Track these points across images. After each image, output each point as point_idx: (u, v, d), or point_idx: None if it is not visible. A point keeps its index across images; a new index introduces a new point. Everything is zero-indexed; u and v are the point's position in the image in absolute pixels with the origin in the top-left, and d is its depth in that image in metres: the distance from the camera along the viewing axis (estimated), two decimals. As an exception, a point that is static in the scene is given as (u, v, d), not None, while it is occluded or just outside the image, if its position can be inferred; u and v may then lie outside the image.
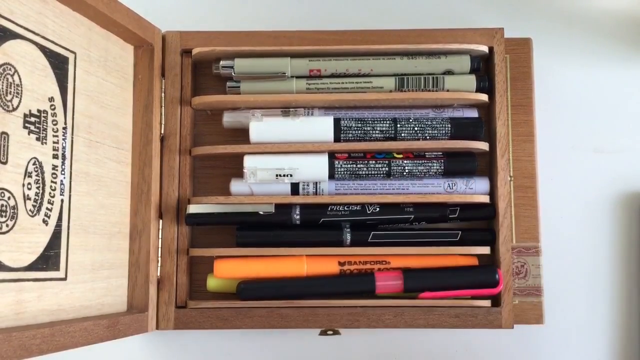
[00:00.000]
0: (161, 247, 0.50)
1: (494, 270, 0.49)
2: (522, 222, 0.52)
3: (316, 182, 0.50)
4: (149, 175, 0.49)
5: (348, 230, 0.50)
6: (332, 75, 0.51)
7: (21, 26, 0.38)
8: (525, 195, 0.52)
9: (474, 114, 0.52)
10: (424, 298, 0.49)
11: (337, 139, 0.50)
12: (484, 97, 0.51)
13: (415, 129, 0.50)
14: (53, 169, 0.40)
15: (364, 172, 0.50)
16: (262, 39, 0.51)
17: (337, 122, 0.50)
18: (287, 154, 0.50)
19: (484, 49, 0.51)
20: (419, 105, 0.52)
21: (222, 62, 0.51)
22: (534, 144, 0.52)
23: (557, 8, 0.57)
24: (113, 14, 0.45)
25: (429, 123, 0.50)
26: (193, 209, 0.50)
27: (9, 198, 0.36)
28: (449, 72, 0.51)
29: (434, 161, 0.50)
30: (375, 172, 0.50)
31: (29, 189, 0.38)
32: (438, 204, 0.50)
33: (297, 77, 0.51)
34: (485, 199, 0.50)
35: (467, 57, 0.51)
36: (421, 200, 0.50)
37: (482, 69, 0.52)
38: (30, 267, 0.38)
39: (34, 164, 0.38)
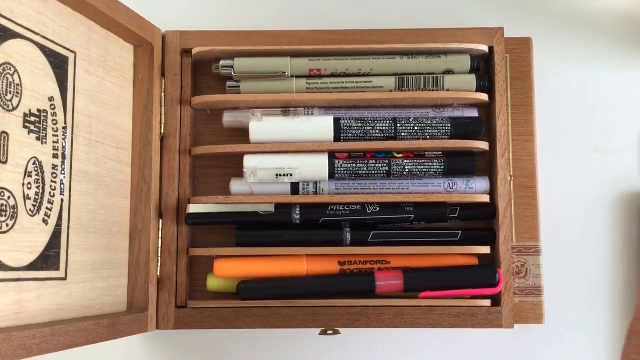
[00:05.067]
0: (161, 247, 0.50)
1: (494, 270, 0.49)
2: (522, 221, 0.52)
3: (316, 182, 0.50)
4: (149, 175, 0.49)
5: (348, 230, 0.50)
6: (332, 75, 0.51)
7: (21, 26, 0.38)
8: (525, 195, 0.52)
9: (474, 113, 0.52)
10: (424, 298, 0.49)
11: (337, 138, 0.50)
12: (484, 96, 0.51)
13: (415, 128, 0.50)
14: (53, 168, 0.40)
15: (364, 172, 0.50)
16: (262, 39, 0.51)
17: (337, 121, 0.50)
18: (287, 154, 0.50)
19: (484, 48, 0.51)
20: (419, 104, 0.52)
21: (222, 62, 0.51)
22: (534, 143, 0.53)
23: (557, 8, 0.57)
24: (113, 13, 0.45)
25: (429, 123, 0.50)
26: (193, 208, 0.50)
27: (9, 198, 0.36)
28: (449, 72, 0.51)
29: (434, 161, 0.50)
30: (375, 172, 0.50)
31: (29, 188, 0.38)
32: (438, 203, 0.50)
33: (297, 77, 0.51)
34: (486, 198, 0.50)
35: (467, 57, 0.51)
36: (421, 200, 0.50)
37: (482, 68, 0.52)
38: (30, 267, 0.38)
39: (34, 163, 0.38)
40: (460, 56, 0.51)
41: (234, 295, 0.50)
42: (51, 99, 0.40)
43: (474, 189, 0.51)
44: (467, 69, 0.51)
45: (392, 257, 0.50)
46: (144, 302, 0.48)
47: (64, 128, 0.41)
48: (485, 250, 0.50)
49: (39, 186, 0.39)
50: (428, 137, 0.50)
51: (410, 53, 0.51)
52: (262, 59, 0.51)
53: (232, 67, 0.51)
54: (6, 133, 0.36)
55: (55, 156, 0.40)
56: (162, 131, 0.51)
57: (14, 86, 0.37)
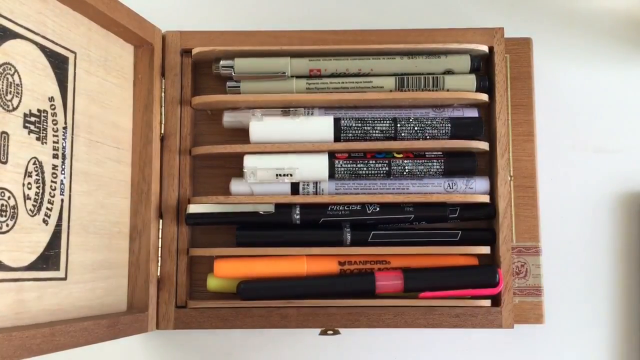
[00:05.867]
0: (161, 247, 0.50)
1: (494, 270, 0.49)
2: (522, 222, 0.52)
3: (316, 182, 0.50)
4: (149, 175, 0.49)
5: (348, 230, 0.50)
6: (332, 75, 0.51)
7: (21, 26, 0.38)
8: (525, 195, 0.52)
9: (474, 113, 0.52)
10: (424, 298, 0.49)
11: (337, 138, 0.50)
12: (484, 96, 0.51)
13: (415, 128, 0.50)
14: (53, 168, 0.40)
15: (364, 172, 0.50)
16: (262, 39, 0.51)
17: (337, 121, 0.50)
18: (287, 154, 0.50)
19: (484, 48, 0.51)
20: (419, 104, 0.52)
21: (222, 62, 0.51)
22: (534, 143, 0.53)
23: (557, 8, 0.57)
24: (113, 13, 0.45)
25: (429, 123, 0.50)
26: (193, 209, 0.50)
27: (9, 198, 0.36)
28: (449, 72, 0.51)
29: (434, 161, 0.50)
30: (375, 172, 0.50)
31: (29, 188, 0.38)
32: (438, 203, 0.50)
33: (297, 77, 0.51)
34: (485, 198, 0.50)
35: (467, 57, 0.51)
36: (421, 200, 0.49)
37: (482, 68, 0.52)
38: (31, 267, 0.38)
39: (34, 163, 0.38)
40: (460, 56, 0.51)
41: (234, 295, 0.50)
42: (51, 99, 0.40)
43: (474, 189, 0.51)
44: (467, 69, 0.51)
45: (392, 257, 0.50)
46: (144, 302, 0.48)
47: (64, 128, 0.41)
48: (485, 250, 0.50)
49: (39, 186, 0.39)
50: (428, 137, 0.50)
51: (410, 53, 0.51)
52: (262, 59, 0.51)
53: (232, 67, 0.51)
54: (6, 133, 0.36)
55: (55, 156, 0.40)
56: (162, 131, 0.51)
57: (14, 86, 0.37)
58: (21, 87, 0.38)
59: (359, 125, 0.50)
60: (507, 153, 0.51)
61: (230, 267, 0.50)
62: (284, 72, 0.50)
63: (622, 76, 0.56)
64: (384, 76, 0.51)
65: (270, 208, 0.50)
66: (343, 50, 0.51)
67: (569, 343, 0.54)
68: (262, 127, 0.50)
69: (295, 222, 0.50)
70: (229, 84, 0.52)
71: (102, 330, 0.42)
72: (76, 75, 0.43)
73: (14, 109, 0.37)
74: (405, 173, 0.50)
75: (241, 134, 0.52)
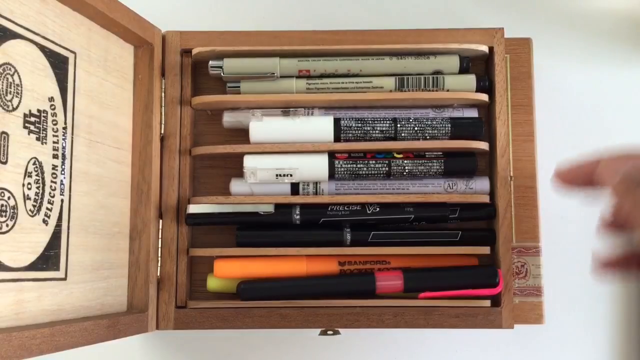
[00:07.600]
0: (161, 247, 0.50)
1: (494, 271, 0.49)
2: (522, 222, 0.52)
3: (316, 182, 0.50)
4: (149, 175, 0.49)
5: (348, 230, 0.50)
6: (333, 75, 0.51)
7: (21, 26, 0.38)
8: (525, 195, 0.52)
9: (474, 113, 0.52)
10: (424, 298, 0.49)
11: (337, 138, 0.50)
12: (484, 97, 0.51)
13: (415, 129, 0.50)
14: (53, 168, 0.40)
15: (364, 172, 0.50)
16: (262, 39, 0.51)
17: (337, 122, 0.50)
18: (287, 154, 0.50)
19: (484, 48, 0.51)
20: (419, 105, 0.52)
21: (210, 62, 0.51)
22: (534, 143, 0.52)
23: (557, 8, 0.57)
24: (113, 13, 0.45)
25: (429, 123, 0.50)
26: (193, 209, 0.50)
27: (9, 198, 0.36)
28: (438, 73, 0.51)
29: (434, 161, 0.50)
30: (375, 172, 0.50)
31: (29, 188, 0.38)
32: (438, 204, 0.50)
33: (297, 77, 0.51)
34: (486, 199, 0.50)
35: (456, 57, 0.51)
36: (421, 200, 0.49)
37: (483, 69, 0.52)
38: (30, 267, 0.38)
39: (34, 163, 0.38)
40: (448, 57, 0.51)
41: (234, 295, 0.50)
42: (51, 99, 0.40)
43: (474, 189, 0.51)
44: (456, 69, 0.51)
45: (392, 257, 0.50)
46: (144, 302, 0.48)
47: (64, 128, 0.41)
48: (485, 250, 0.50)
49: (39, 186, 0.39)
50: (428, 137, 0.50)
51: (411, 53, 0.51)
52: (250, 60, 0.51)
53: (221, 67, 0.51)
54: (6, 133, 0.36)
55: (55, 156, 0.40)
56: (162, 131, 0.51)
57: (14, 86, 0.37)
58: (21, 87, 0.38)
59: (359, 125, 0.50)
60: (507, 153, 0.50)
61: (230, 267, 0.50)
62: (273, 73, 0.50)
63: (622, 76, 0.56)
64: (384, 76, 0.51)
65: (270, 208, 0.50)
66: (344, 51, 0.51)
67: (569, 343, 0.54)
68: (262, 127, 0.50)
69: (295, 222, 0.50)
70: (229, 84, 0.52)
71: (102, 331, 0.42)
72: (76, 75, 0.43)
73: (14, 109, 0.37)
74: (405, 173, 0.50)
75: (241, 134, 0.52)
